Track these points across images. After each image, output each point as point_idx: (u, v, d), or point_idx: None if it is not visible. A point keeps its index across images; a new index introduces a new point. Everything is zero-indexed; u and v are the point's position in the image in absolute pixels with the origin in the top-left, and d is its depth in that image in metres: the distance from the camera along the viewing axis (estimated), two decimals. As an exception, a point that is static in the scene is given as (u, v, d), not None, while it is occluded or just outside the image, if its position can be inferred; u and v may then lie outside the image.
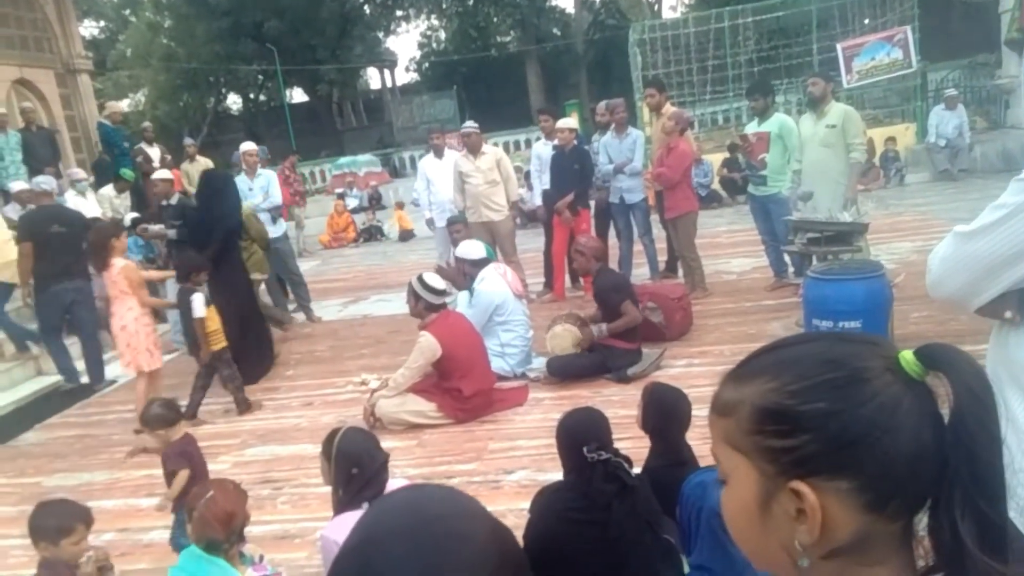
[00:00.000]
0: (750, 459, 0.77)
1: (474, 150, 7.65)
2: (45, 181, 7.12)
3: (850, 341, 0.78)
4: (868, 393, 0.72)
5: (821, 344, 0.79)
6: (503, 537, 0.73)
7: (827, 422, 0.72)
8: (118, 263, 5.59)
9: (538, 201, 8.30)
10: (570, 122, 7.72)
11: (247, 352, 6.25)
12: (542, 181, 8.06)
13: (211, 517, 2.48)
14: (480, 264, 5.94)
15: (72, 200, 8.87)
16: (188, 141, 12.47)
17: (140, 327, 5.51)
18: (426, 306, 5.09)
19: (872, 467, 0.71)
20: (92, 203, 9.34)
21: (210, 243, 6.33)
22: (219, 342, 5.64)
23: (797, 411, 0.73)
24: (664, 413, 2.97)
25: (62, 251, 6.54)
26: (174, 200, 7.40)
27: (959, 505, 0.70)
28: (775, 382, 0.76)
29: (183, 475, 3.46)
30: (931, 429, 0.72)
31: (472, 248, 6.09)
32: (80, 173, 9.55)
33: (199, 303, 5.48)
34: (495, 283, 5.76)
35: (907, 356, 0.74)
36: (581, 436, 2.57)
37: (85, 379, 6.91)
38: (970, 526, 0.70)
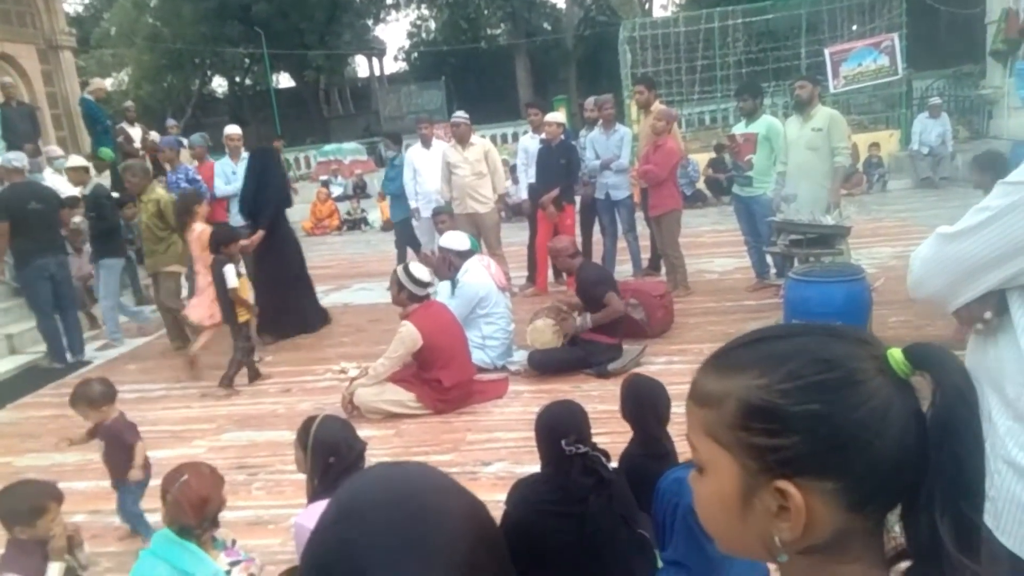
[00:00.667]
0: (732, 453, 0.75)
1: (462, 141, 7.62)
2: (16, 158, 7.03)
3: (841, 338, 0.76)
4: (862, 396, 0.71)
5: (812, 340, 0.76)
6: (480, 513, 0.72)
7: (819, 424, 0.70)
8: (197, 227, 6.26)
9: (523, 195, 8.29)
10: (558, 117, 7.72)
11: (288, 314, 6.98)
12: (528, 175, 8.05)
13: (184, 502, 2.44)
14: (465, 255, 5.92)
15: (50, 178, 8.75)
16: (171, 123, 12.32)
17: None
18: (409, 296, 5.09)
19: (860, 469, 0.70)
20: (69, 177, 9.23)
21: (262, 214, 6.90)
22: (244, 315, 5.81)
23: (788, 412, 0.72)
24: (640, 403, 2.99)
25: (41, 227, 6.58)
26: (88, 189, 7.34)
27: (939, 505, 0.70)
28: (764, 378, 0.74)
29: (142, 446, 3.54)
30: (915, 429, 0.72)
31: (457, 239, 6.07)
32: (57, 150, 9.43)
33: (231, 274, 5.69)
34: (479, 275, 5.75)
35: (896, 355, 0.73)
36: (560, 429, 2.57)
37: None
38: (948, 525, 0.70)
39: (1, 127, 9.43)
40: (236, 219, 8.10)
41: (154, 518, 3.23)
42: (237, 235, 6.13)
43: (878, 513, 0.74)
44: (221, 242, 5.80)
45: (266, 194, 6.95)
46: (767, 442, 0.72)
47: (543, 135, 7.61)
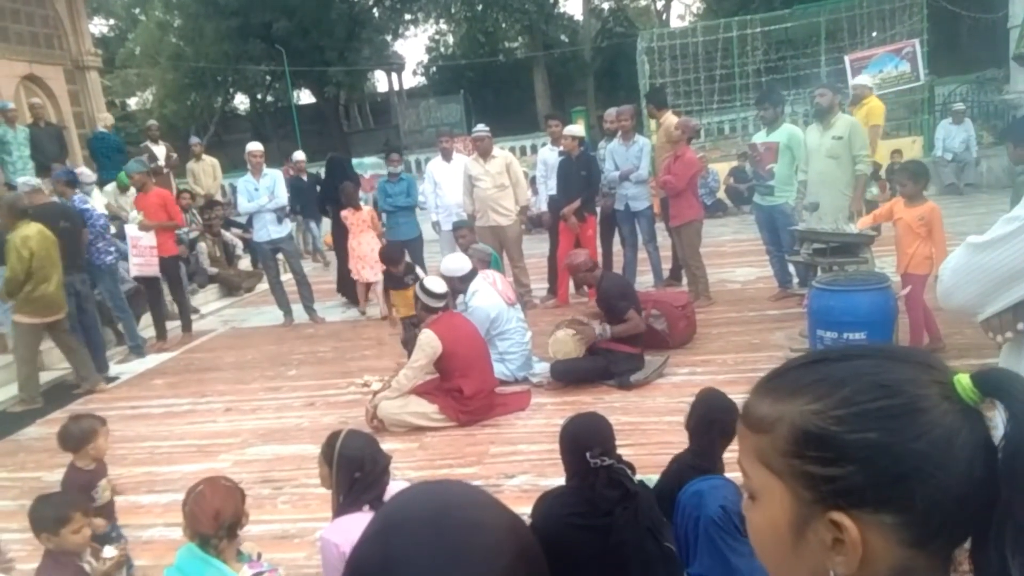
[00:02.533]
0: (784, 481, 0.72)
1: (484, 154, 7.66)
2: (33, 180, 7.11)
3: (903, 361, 0.72)
4: (924, 425, 0.66)
5: (871, 363, 0.72)
6: (521, 531, 0.73)
7: (877, 454, 0.67)
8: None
9: (543, 207, 8.30)
10: (575, 130, 7.71)
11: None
12: (547, 187, 8.06)
13: (199, 512, 2.50)
14: (467, 279, 5.87)
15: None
16: (194, 140, 12.50)
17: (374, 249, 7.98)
18: (423, 307, 5.19)
19: (921, 503, 0.66)
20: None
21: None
22: (406, 311, 6.60)
23: (844, 440, 0.68)
24: (711, 419, 2.91)
25: (68, 246, 6.66)
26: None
27: (1011, 543, 0.66)
28: (818, 403, 0.70)
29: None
30: (983, 461, 0.67)
31: (456, 263, 5.94)
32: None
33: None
34: (488, 296, 5.72)
35: (963, 381, 0.69)
36: (585, 441, 2.57)
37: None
38: (1020, 566, 0.66)
39: (29, 147, 9.62)
40: (261, 234, 8.20)
41: (176, 533, 3.25)
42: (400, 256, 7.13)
43: (943, 550, 0.69)
44: (388, 262, 7.06)
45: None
46: (821, 471, 0.69)
47: (562, 147, 7.62)
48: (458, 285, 5.85)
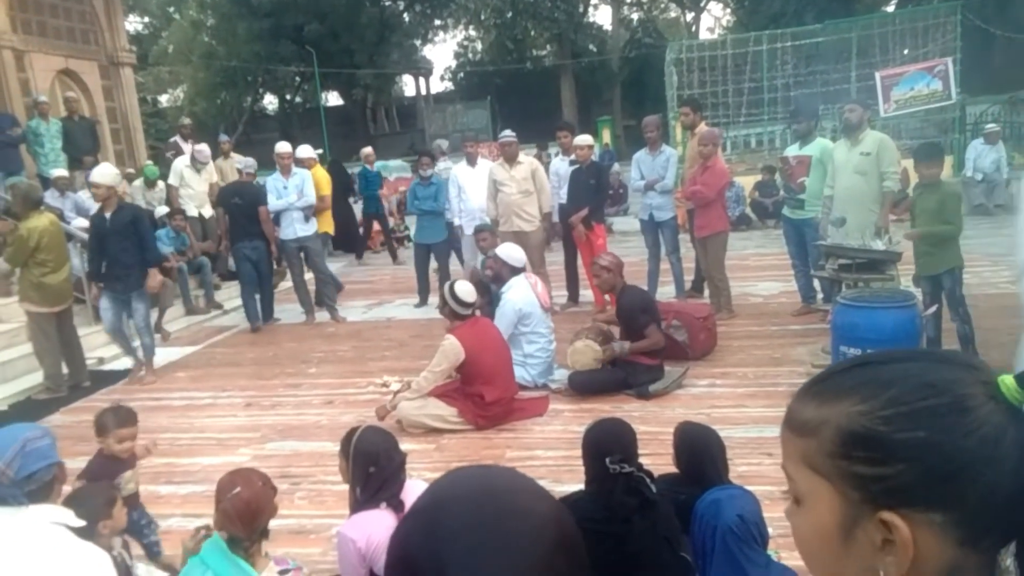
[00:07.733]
0: (832, 483, 0.72)
1: (510, 159, 7.69)
2: (250, 164, 8.67)
3: (948, 363, 0.72)
4: (972, 422, 0.67)
5: (917, 365, 0.72)
6: (565, 521, 0.74)
7: (925, 453, 0.67)
8: None
9: (556, 216, 8.31)
10: (587, 139, 7.74)
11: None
12: (559, 196, 8.07)
13: (235, 514, 2.42)
14: (516, 271, 5.95)
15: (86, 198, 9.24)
16: (223, 138, 12.62)
17: None
18: (451, 312, 5.17)
19: (972, 502, 0.66)
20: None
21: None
22: None
23: (892, 439, 0.68)
24: (696, 453, 2.89)
25: (240, 218, 8.11)
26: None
27: None
28: (865, 404, 0.70)
29: None
30: None
31: (514, 253, 6.07)
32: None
33: None
34: (522, 292, 5.77)
35: (1008, 382, 0.69)
36: (606, 446, 2.57)
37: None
38: None
39: (63, 139, 9.79)
40: (287, 232, 8.28)
41: (194, 523, 3.27)
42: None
43: (993, 549, 0.70)
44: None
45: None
46: (870, 471, 0.69)
47: (572, 156, 7.66)
48: (505, 273, 5.92)
